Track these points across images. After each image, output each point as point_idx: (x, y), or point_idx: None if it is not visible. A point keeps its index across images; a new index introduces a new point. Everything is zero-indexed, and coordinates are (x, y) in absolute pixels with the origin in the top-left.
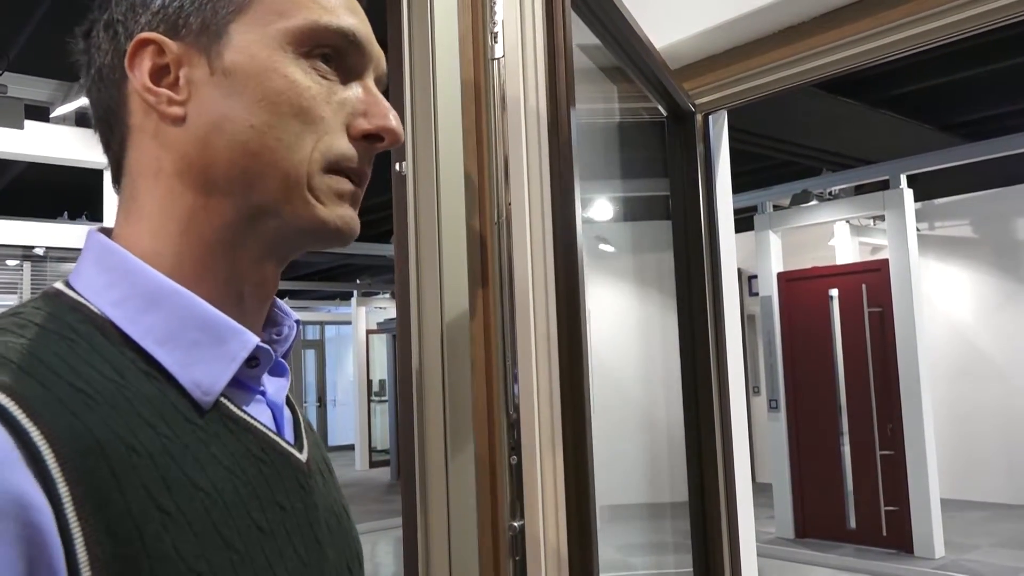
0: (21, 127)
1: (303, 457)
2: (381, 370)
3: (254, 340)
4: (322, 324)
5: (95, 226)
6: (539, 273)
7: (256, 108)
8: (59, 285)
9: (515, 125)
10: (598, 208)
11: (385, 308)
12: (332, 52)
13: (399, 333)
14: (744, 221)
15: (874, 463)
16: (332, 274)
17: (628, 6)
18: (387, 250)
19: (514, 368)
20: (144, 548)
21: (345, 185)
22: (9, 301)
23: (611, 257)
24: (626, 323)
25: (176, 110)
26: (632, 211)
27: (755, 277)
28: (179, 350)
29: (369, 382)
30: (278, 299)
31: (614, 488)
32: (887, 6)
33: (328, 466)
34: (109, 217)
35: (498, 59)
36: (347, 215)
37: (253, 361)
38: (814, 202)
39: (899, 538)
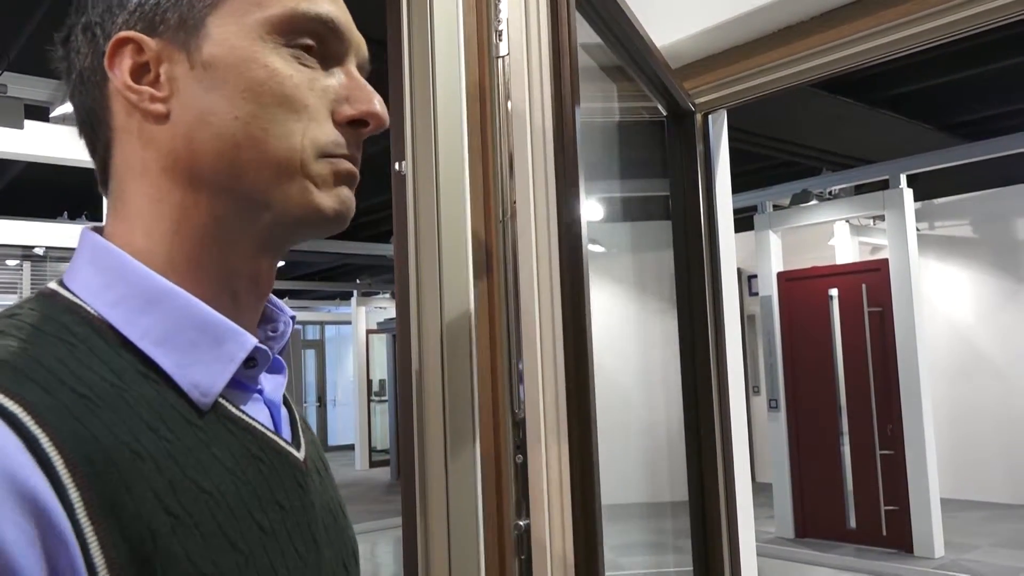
0: (21, 127)
1: (300, 456)
2: (381, 370)
3: (252, 341)
4: (322, 324)
5: (88, 225)
6: (544, 271)
7: (239, 100)
8: (54, 285)
9: (520, 123)
10: (597, 207)
11: (385, 308)
12: (312, 39)
13: (399, 333)
14: (744, 221)
15: (874, 463)
16: (332, 274)
17: (629, 5)
18: (387, 250)
19: (519, 367)
20: (157, 550)
21: (342, 165)
22: (9, 301)
23: (611, 257)
24: (625, 323)
25: (159, 107)
26: (631, 211)
27: (755, 277)
28: (177, 351)
29: (369, 382)
30: (273, 295)
31: (614, 488)
32: (886, 6)
33: (324, 464)
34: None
35: (502, 57)
36: (344, 194)
37: (251, 362)
38: (814, 202)
39: (899, 538)
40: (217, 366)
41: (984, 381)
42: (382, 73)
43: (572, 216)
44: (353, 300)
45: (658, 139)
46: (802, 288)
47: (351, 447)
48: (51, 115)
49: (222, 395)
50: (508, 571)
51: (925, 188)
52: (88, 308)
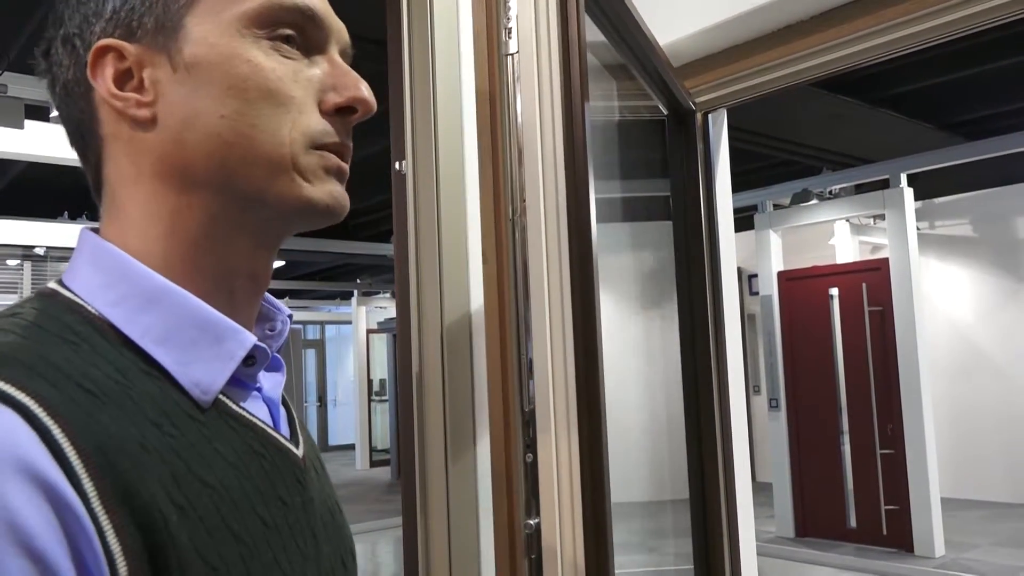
0: (21, 127)
1: (300, 453)
2: (381, 370)
3: (251, 339)
4: (322, 324)
5: (86, 225)
6: (554, 268)
7: (224, 98)
8: (54, 285)
9: (529, 120)
10: (598, 206)
11: (385, 308)
12: (291, 30)
13: (399, 332)
14: (744, 220)
15: (874, 462)
16: (332, 274)
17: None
18: (387, 250)
19: (529, 365)
20: (167, 540)
21: (331, 160)
22: (9, 301)
23: (610, 256)
24: (624, 323)
25: (145, 112)
26: (630, 210)
27: (755, 276)
28: (177, 350)
29: (369, 382)
30: (268, 295)
31: (616, 487)
32: (886, 5)
33: (321, 463)
34: None
35: (512, 54)
36: (336, 191)
37: (250, 360)
38: (814, 201)
39: (899, 537)
40: (217, 364)
41: (984, 380)
42: (382, 73)
43: (582, 213)
44: (353, 300)
45: (657, 138)
46: (802, 287)
47: (351, 447)
48: (51, 115)
49: (222, 392)
50: (518, 570)
51: (925, 187)
52: (89, 307)
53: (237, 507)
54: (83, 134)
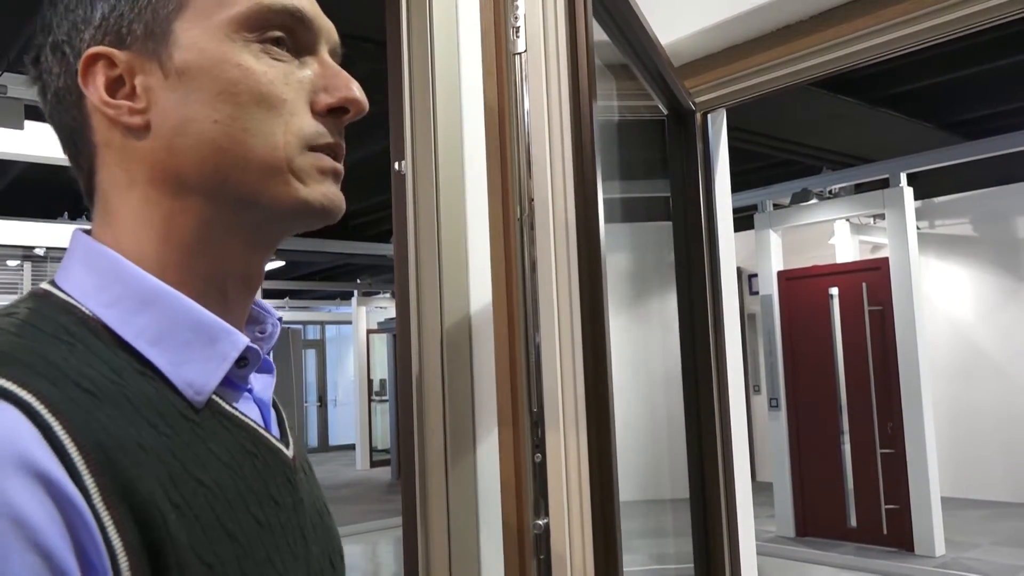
0: (21, 127)
1: (290, 453)
2: (381, 370)
3: (244, 341)
4: (322, 324)
5: (79, 227)
6: (563, 267)
7: (216, 103)
8: (47, 286)
9: (538, 119)
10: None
11: (385, 308)
12: (281, 31)
13: (399, 332)
14: (744, 220)
15: (874, 461)
16: (332, 274)
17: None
18: (387, 250)
19: (538, 364)
20: (165, 536)
21: (326, 162)
22: (8, 302)
23: (610, 256)
24: (623, 323)
25: (138, 120)
26: (629, 210)
27: (755, 276)
28: (171, 351)
29: (370, 382)
30: (258, 298)
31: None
32: (885, 5)
33: (308, 464)
34: None
35: (520, 54)
36: (331, 192)
37: (242, 361)
38: (814, 201)
39: (900, 536)
40: (210, 365)
41: (984, 379)
42: (381, 73)
43: (590, 212)
44: (353, 300)
45: (656, 138)
46: (802, 287)
47: (352, 447)
48: None
49: (215, 392)
50: (527, 571)
51: (925, 187)
52: (83, 308)
53: (231, 506)
54: (75, 141)
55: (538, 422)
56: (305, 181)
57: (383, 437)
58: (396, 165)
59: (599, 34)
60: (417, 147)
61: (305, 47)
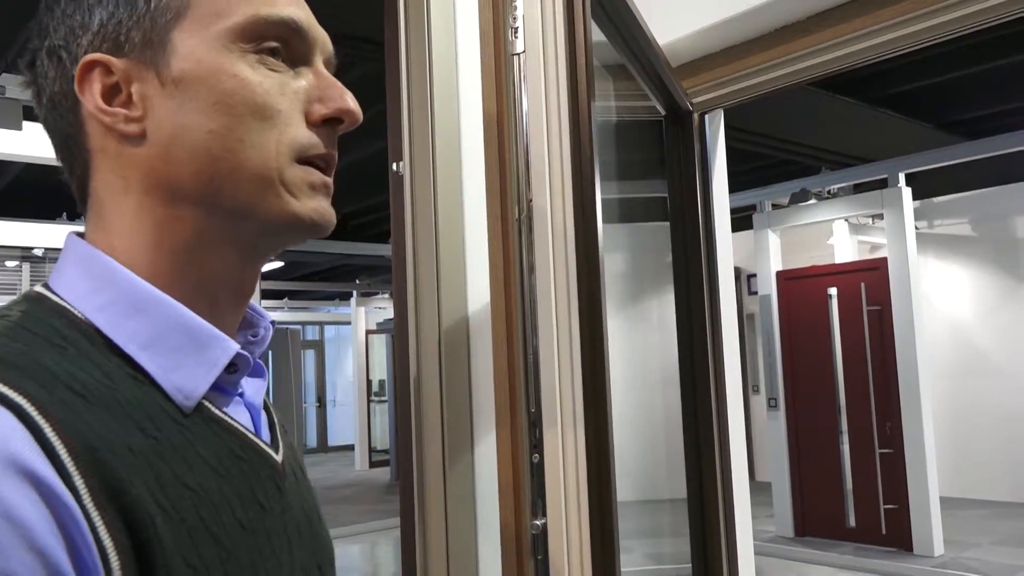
0: (19, 128)
1: (279, 458)
2: (381, 370)
3: (234, 347)
4: (321, 324)
5: (72, 230)
6: (561, 268)
7: (212, 112)
8: (40, 289)
9: (536, 120)
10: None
11: (385, 308)
12: (276, 42)
13: (397, 333)
14: (743, 220)
15: (873, 461)
16: (332, 274)
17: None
18: (386, 250)
19: (535, 365)
20: (153, 538)
21: (316, 176)
22: (5, 303)
23: (607, 257)
24: (622, 323)
25: (134, 127)
26: (627, 211)
27: (754, 276)
28: (161, 355)
29: (369, 382)
30: (252, 302)
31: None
32: (883, 5)
33: (302, 469)
34: None
35: (518, 54)
36: (321, 207)
37: (232, 367)
38: (813, 201)
39: (898, 536)
40: (200, 371)
41: (983, 379)
42: (379, 74)
43: (589, 213)
44: (353, 300)
45: (654, 138)
46: (801, 287)
47: (351, 447)
48: None
49: (205, 397)
50: (525, 571)
51: (924, 187)
52: (75, 312)
53: (217, 510)
54: (70, 146)
55: (536, 423)
56: (296, 195)
57: (382, 438)
58: (394, 166)
59: (597, 35)
60: (415, 148)
61: (300, 57)
